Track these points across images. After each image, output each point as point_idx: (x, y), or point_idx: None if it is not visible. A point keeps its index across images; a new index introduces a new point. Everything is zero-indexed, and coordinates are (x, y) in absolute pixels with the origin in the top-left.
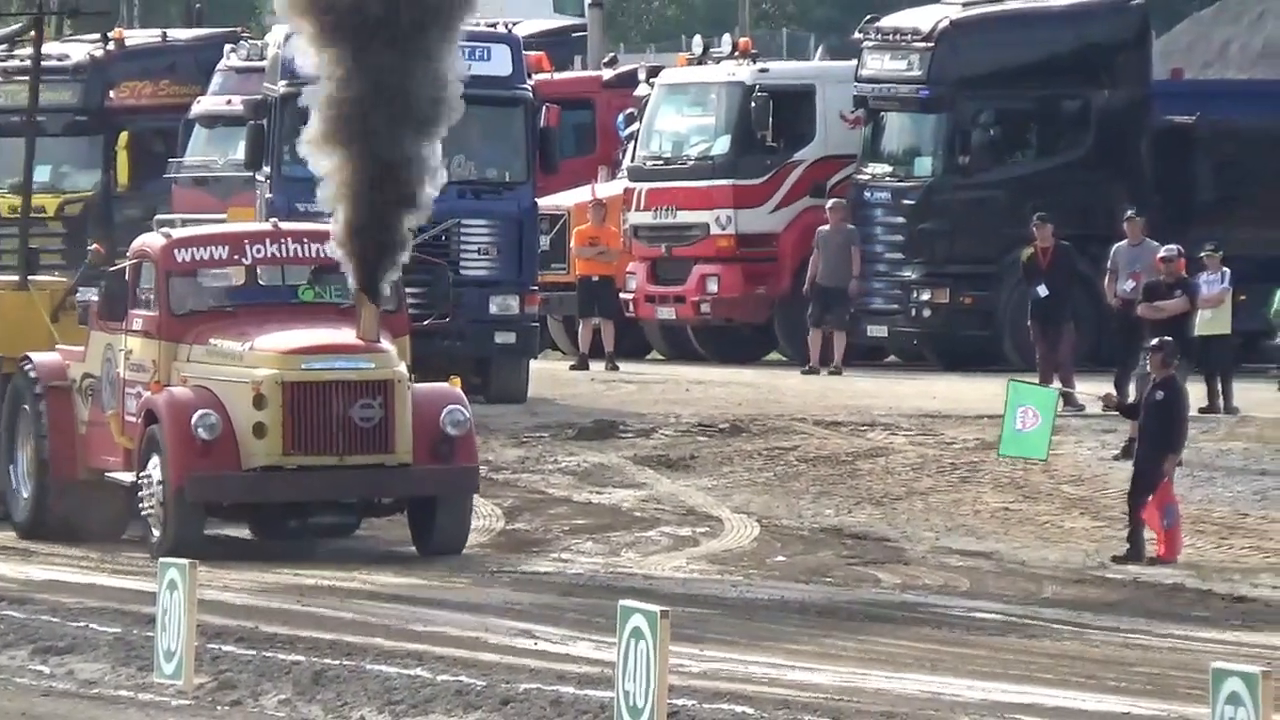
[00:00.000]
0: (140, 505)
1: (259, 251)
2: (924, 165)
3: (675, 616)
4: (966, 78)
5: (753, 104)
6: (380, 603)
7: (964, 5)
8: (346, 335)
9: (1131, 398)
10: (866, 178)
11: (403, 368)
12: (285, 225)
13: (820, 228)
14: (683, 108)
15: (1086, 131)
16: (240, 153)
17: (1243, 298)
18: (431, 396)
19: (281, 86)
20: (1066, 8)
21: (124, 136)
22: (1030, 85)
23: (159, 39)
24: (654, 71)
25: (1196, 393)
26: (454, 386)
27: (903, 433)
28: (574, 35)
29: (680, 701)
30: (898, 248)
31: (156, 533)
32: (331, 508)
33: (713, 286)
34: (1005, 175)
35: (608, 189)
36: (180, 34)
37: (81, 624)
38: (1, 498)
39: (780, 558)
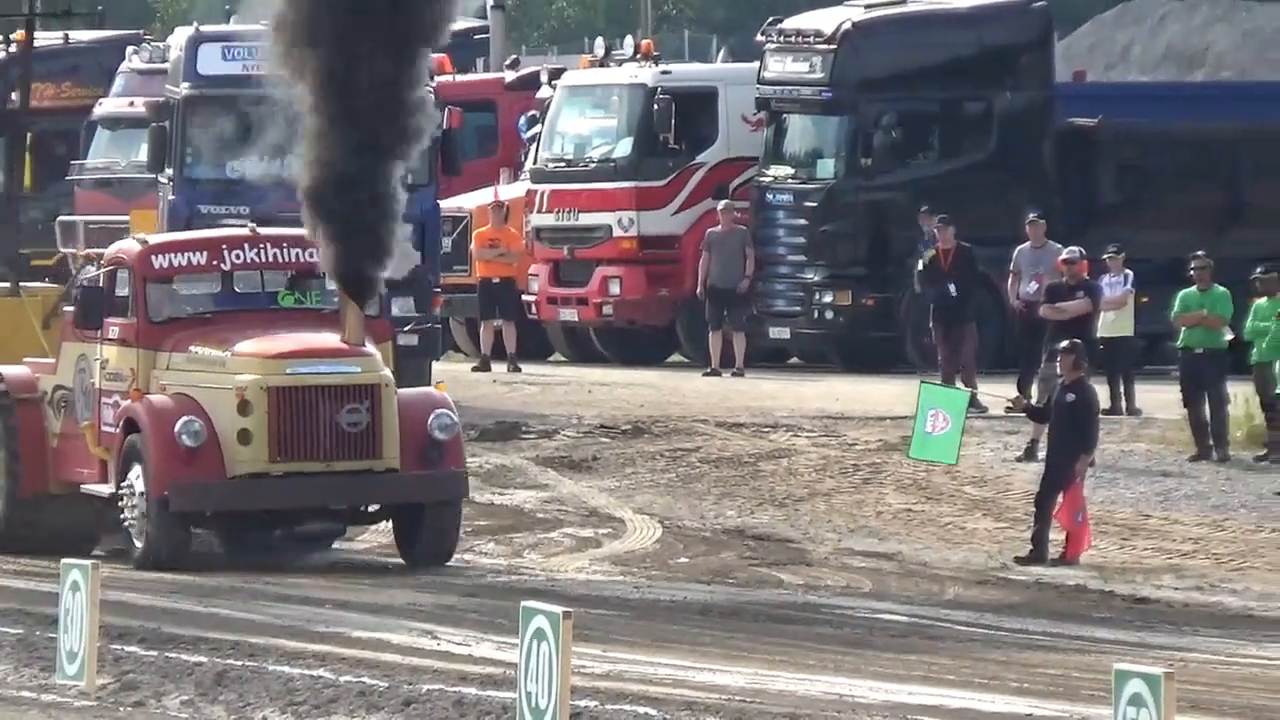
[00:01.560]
0: (121, 516)
1: (238, 257)
2: (826, 167)
3: (578, 617)
4: (868, 80)
5: (655, 106)
6: (283, 604)
7: (866, 7)
8: (331, 340)
9: (1034, 399)
10: (769, 180)
11: (388, 372)
12: (264, 230)
13: (711, 229)
14: (585, 110)
15: (989, 134)
16: (143, 155)
17: (1145, 300)
18: (418, 401)
19: (184, 89)
20: (969, 10)
21: (29, 138)
22: (932, 87)
23: (61, 41)
24: (556, 74)
25: (1100, 394)
26: (440, 391)
27: (805, 434)
28: (476, 37)
29: (583, 703)
30: (800, 250)
31: (139, 544)
32: (318, 515)
33: (615, 289)
34: (907, 177)
35: (510, 191)
36: (82, 36)
37: None
38: None
39: (683, 559)
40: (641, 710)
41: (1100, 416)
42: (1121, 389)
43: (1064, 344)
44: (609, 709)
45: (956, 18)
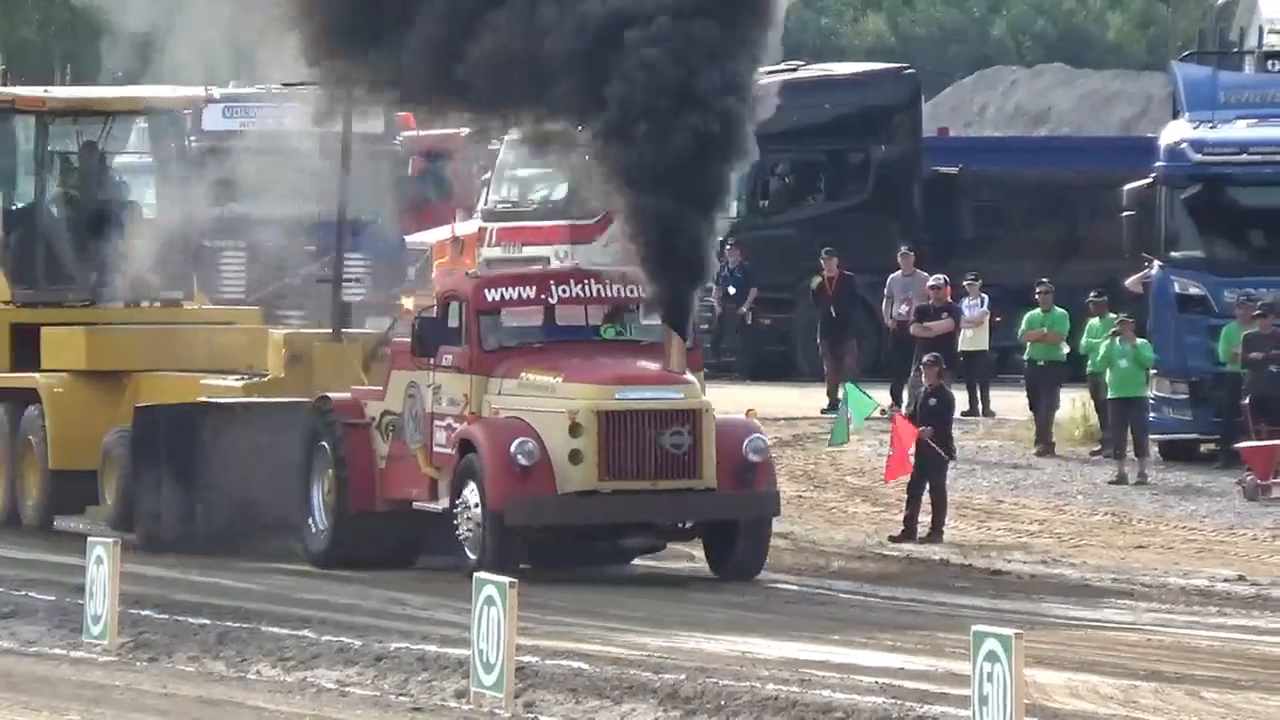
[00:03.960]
0: (455, 531)
1: (564, 291)
2: (732, 207)
3: (522, 587)
4: (767, 134)
5: (586, 156)
6: (273, 575)
7: (766, 72)
8: (654, 367)
9: (905, 404)
10: None
11: (707, 398)
12: (586, 267)
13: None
14: (527, 159)
15: (867, 180)
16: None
17: (998, 319)
18: (733, 425)
19: (191, 141)
20: (850, 75)
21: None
22: (820, 140)
23: None
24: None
25: (960, 399)
26: (751, 417)
27: None
28: None
29: (526, 658)
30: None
31: (472, 556)
32: (641, 530)
33: None
34: (798, 216)
35: (465, 228)
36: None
37: (23, 593)
38: (297, 530)
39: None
40: (575, 665)
41: (956, 418)
42: (979, 395)
43: (927, 357)
44: (548, 664)
45: (840, 82)
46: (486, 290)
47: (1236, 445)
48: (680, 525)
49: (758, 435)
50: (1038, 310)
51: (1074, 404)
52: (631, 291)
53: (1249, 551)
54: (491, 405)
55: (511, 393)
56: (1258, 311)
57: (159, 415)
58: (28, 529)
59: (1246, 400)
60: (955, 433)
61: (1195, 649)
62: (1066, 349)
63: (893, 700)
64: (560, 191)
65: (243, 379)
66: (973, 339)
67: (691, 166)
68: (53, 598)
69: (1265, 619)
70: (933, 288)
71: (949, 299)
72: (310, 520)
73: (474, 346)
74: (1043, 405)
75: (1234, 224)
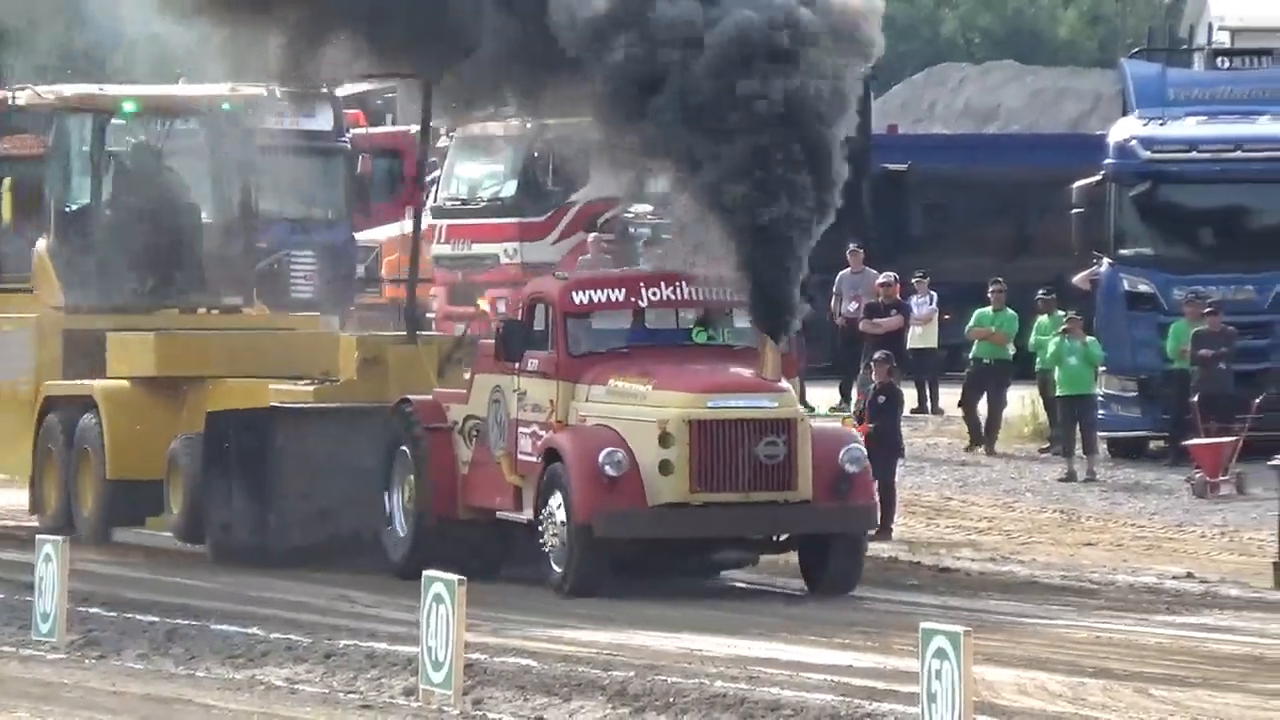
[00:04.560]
0: (540, 542)
1: (654, 294)
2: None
3: (471, 586)
4: None
5: (535, 154)
6: (221, 572)
7: None
8: (747, 374)
9: (854, 400)
10: (631, 215)
11: (802, 407)
12: (681, 271)
13: (583, 257)
14: (477, 157)
15: None
16: None
17: (947, 317)
18: (829, 434)
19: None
20: None
21: (7, 180)
22: None
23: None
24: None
25: (909, 397)
26: (847, 426)
27: None
28: (387, 95)
29: (475, 656)
30: None
31: (557, 569)
32: (733, 544)
33: (502, 307)
34: None
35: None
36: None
37: None
38: (377, 538)
39: None
40: (524, 662)
41: (905, 415)
42: (927, 392)
43: (877, 355)
44: (496, 661)
45: None
46: (574, 293)
47: (1185, 443)
48: (774, 538)
49: (855, 445)
50: (988, 309)
51: (1023, 402)
52: (725, 294)
53: (1197, 549)
54: (578, 412)
55: (599, 400)
56: (1207, 309)
57: (231, 421)
58: (85, 542)
59: (1195, 398)
60: (904, 430)
61: (1144, 646)
62: (1013, 350)
63: (841, 698)
64: (509, 189)
65: (313, 384)
66: (921, 336)
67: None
68: (2, 595)
69: (1213, 617)
70: (882, 285)
71: (898, 296)
72: (389, 528)
73: (560, 351)
74: (976, 402)
75: (1183, 221)
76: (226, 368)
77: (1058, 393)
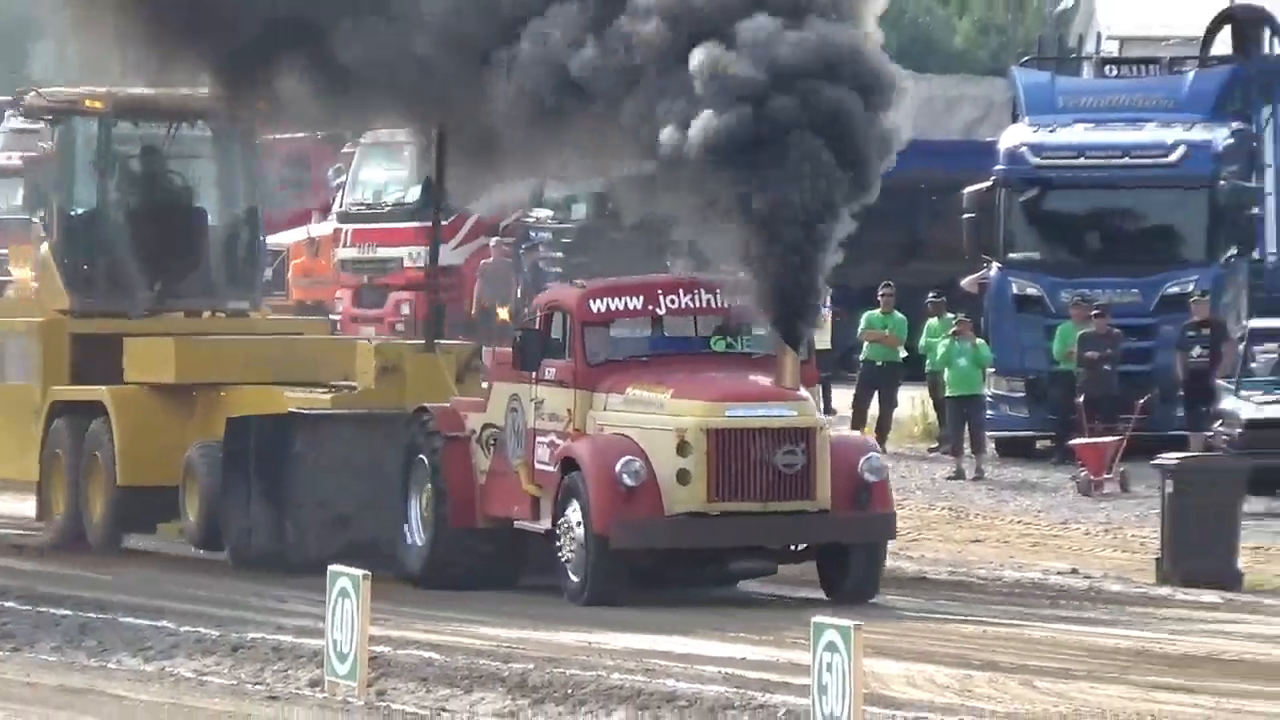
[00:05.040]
0: (558, 552)
1: (672, 302)
2: (579, 210)
3: (376, 579)
4: None
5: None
6: (134, 567)
7: None
8: (766, 383)
9: None
10: (532, 220)
11: (822, 416)
12: (697, 277)
13: (484, 260)
14: (382, 163)
15: None
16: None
17: (839, 319)
18: (848, 443)
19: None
20: None
21: None
22: None
23: None
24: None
25: None
26: (866, 435)
27: None
28: None
29: (379, 648)
30: (557, 277)
31: (574, 579)
32: (752, 553)
33: (406, 310)
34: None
35: (320, 229)
36: None
37: None
38: (394, 546)
39: None
40: (427, 655)
41: None
42: (820, 393)
43: None
44: (400, 654)
45: None
46: (591, 301)
47: (1071, 442)
48: (793, 548)
49: (874, 454)
50: (878, 311)
51: (913, 402)
52: (743, 303)
53: (1082, 545)
54: (596, 421)
55: (617, 408)
56: (1093, 312)
57: (252, 427)
58: (94, 549)
59: (1081, 398)
60: None
61: (1029, 640)
62: (904, 352)
63: (735, 689)
64: (414, 194)
65: (330, 391)
66: (815, 338)
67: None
68: None
69: (1097, 611)
70: None
71: None
72: (406, 536)
73: (578, 360)
74: (867, 402)
75: (1071, 226)
76: (243, 374)
77: (947, 393)
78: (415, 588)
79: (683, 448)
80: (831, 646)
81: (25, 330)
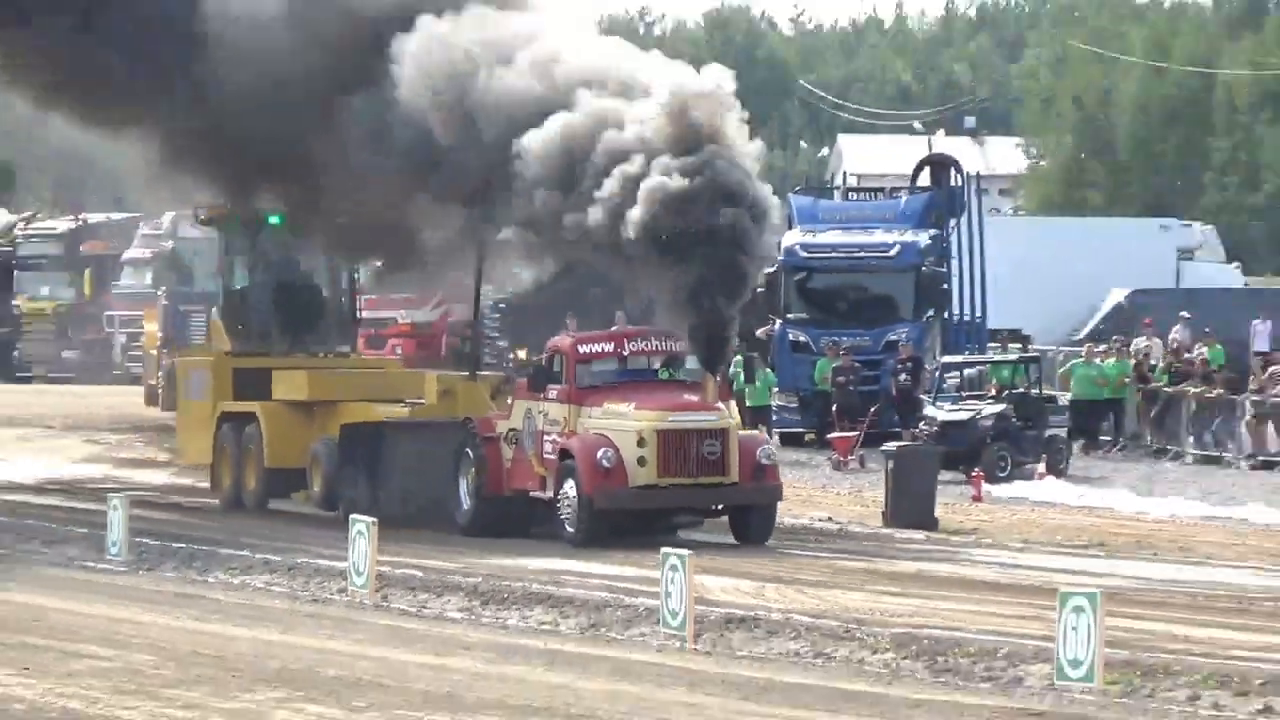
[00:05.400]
0: (558, 512)
1: (632, 347)
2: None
3: (430, 528)
4: None
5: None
6: (261, 521)
7: None
8: (695, 399)
9: None
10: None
11: (732, 420)
12: (649, 329)
13: (450, 320)
14: None
15: None
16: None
17: None
18: (750, 439)
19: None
20: None
21: (89, 271)
22: None
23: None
24: None
25: None
26: (761, 434)
27: None
28: None
29: (383, 569)
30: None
31: (570, 530)
32: (687, 512)
33: (399, 350)
34: None
35: None
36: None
37: (68, 527)
38: (446, 509)
39: None
40: (413, 573)
41: None
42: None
43: None
44: (396, 572)
45: None
46: (580, 346)
47: (828, 435)
48: (714, 508)
49: (767, 445)
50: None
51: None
52: (679, 346)
53: (835, 502)
54: (583, 425)
55: (597, 417)
56: (841, 351)
57: (358, 430)
58: (249, 509)
59: (834, 407)
60: None
61: (801, 561)
62: None
63: (613, 594)
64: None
65: (406, 406)
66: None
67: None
68: (87, 531)
69: (845, 544)
70: None
71: None
72: (458, 502)
73: (571, 385)
74: None
75: (827, 296)
76: (349, 394)
77: (748, 403)
78: (462, 535)
79: (641, 442)
80: (674, 567)
81: (203, 365)
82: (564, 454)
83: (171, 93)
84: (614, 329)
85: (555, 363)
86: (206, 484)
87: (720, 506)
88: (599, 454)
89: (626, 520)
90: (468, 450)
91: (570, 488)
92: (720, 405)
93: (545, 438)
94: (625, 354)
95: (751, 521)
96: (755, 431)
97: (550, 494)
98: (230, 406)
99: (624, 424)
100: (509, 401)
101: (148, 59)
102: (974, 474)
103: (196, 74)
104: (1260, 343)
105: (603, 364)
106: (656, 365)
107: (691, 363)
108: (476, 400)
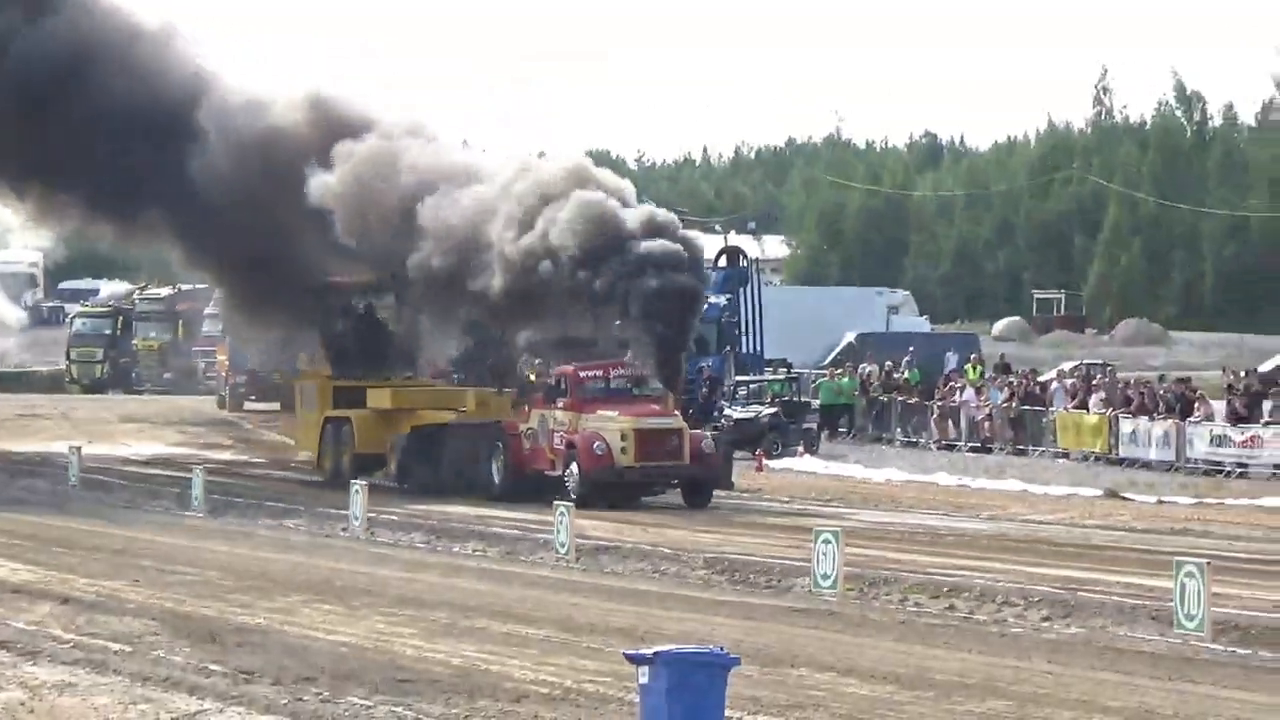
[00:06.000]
0: (566, 485)
1: (616, 372)
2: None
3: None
4: None
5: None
6: (301, 487)
7: None
8: (659, 408)
9: None
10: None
11: (684, 424)
12: (626, 360)
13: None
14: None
15: None
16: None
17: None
18: (697, 435)
19: None
20: None
21: (181, 320)
22: None
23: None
24: None
25: None
26: (705, 433)
27: None
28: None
29: (372, 514)
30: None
31: (574, 497)
32: (655, 484)
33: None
34: None
35: None
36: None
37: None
38: (483, 484)
39: None
40: (392, 517)
41: None
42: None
43: None
44: (382, 516)
45: None
46: (580, 371)
47: None
48: (673, 482)
49: (709, 439)
50: None
51: None
52: (646, 372)
53: None
54: (583, 426)
55: (593, 421)
56: None
57: (423, 430)
58: (344, 482)
59: None
60: None
61: (644, 511)
62: None
63: (523, 532)
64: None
65: (456, 413)
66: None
67: (674, 317)
68: (178, 490)
69: (667, 498)
70: None
71: None
72: (491, 479)
73: (573, 398)
74: None
75: None
76: (416, 404)
77: None
78: (496, 502)
79: (624, 437)
80: (561, 514)
81: (312, 384)
82: (569, 445)
83: (175, 218)
84: (603, 361)
85: (562, 383)
86: (262, 459)
87: (676, 481)
88: (594, 445)
89: (612, 490)
90: (499, 443)
91: (574, 469)
92: (676, 412)
93: (555, 434)
94: (611, 378)
95: (700, 491)
96: (702, 432)
97: (559, 472)
98: (332, 414)
99: (611, 425)
100: (527, 409)
101: (155, 199)
102: (757, 453)
103: (184, 217)
104: (950, 365)
105: (595, 384)
106: (632, 386)
107: (654, 384)
108: (504, 409)
